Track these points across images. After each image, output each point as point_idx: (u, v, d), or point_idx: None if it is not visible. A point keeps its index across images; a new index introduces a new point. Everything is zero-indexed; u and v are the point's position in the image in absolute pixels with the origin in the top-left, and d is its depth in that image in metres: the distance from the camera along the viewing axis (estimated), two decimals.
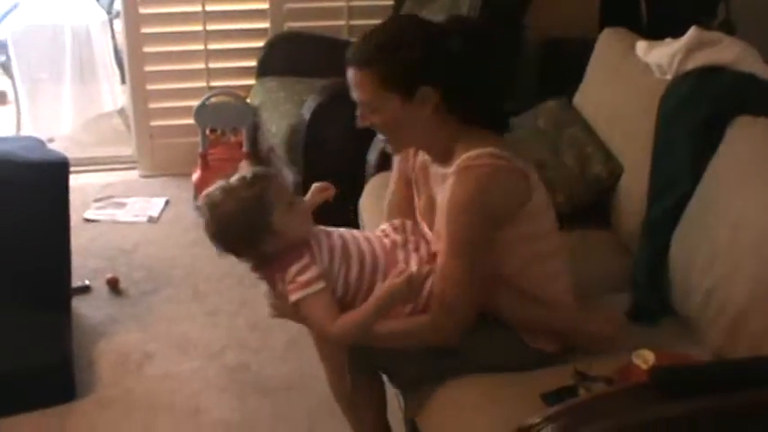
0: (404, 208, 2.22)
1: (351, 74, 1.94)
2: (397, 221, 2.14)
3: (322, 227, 2.04)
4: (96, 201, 4.19)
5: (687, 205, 2.25)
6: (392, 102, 1.91)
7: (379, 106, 1.93)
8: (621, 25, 3.00)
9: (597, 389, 1.75)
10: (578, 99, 2.95)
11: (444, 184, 1.95)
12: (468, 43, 1.92)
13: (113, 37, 5.04)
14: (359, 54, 1.93)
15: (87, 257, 3.59)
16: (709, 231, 2.13)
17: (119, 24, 4.76)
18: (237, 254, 1.99)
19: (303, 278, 1.91)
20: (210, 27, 4.25)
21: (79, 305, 3.25)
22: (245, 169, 2.05)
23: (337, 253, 1.98)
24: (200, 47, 4.28)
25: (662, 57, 2.56)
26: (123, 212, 4.09)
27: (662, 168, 2.39)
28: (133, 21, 4.25)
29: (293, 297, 1.92)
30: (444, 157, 1.98)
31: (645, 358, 1.81)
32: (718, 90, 2.37)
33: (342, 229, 2.07)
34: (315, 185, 2.19)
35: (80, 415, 2.72)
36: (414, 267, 1.95)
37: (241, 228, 1.91)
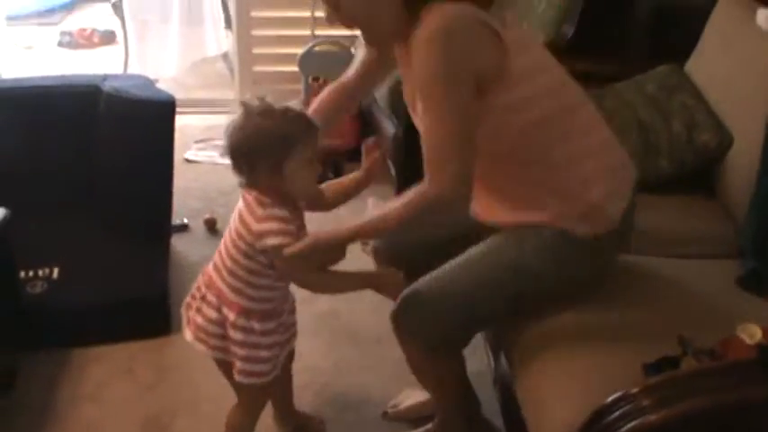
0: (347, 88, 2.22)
1: None
2: None
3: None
4: (197, 142, 4.26)
5: None
6: None
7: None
8: None
9: (700, 362, 1.70)
10: (691, 66, 2.87)
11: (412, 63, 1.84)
12: None
13: None
14: None
15: (186, 197, 3.66)
16: None
17: None
18: (235, 166, 1.92)
19: (281, 226, 1.91)
20: None
21: (177, 243, 3.32)
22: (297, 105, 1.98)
23: None
24: None
25: None
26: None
27: None
28: None
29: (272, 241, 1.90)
30: None
31: (751, 333, 1.73)
32: None
33: None
34: (365, 143, 2.11)
35: (175, 348, 2.79)
36: None
37: (255, 146, 1.86)
